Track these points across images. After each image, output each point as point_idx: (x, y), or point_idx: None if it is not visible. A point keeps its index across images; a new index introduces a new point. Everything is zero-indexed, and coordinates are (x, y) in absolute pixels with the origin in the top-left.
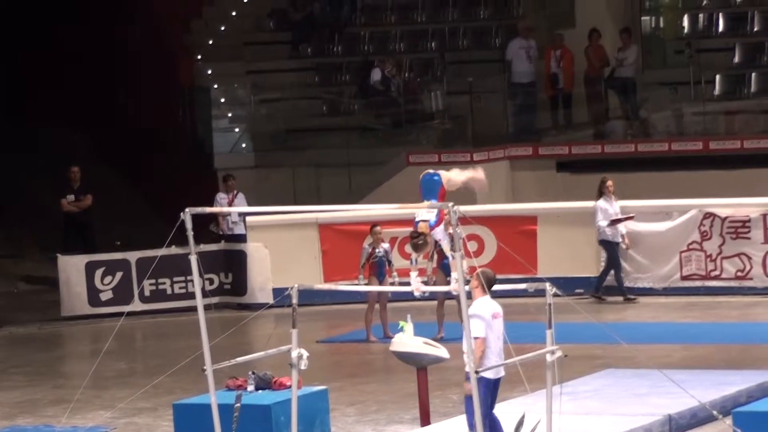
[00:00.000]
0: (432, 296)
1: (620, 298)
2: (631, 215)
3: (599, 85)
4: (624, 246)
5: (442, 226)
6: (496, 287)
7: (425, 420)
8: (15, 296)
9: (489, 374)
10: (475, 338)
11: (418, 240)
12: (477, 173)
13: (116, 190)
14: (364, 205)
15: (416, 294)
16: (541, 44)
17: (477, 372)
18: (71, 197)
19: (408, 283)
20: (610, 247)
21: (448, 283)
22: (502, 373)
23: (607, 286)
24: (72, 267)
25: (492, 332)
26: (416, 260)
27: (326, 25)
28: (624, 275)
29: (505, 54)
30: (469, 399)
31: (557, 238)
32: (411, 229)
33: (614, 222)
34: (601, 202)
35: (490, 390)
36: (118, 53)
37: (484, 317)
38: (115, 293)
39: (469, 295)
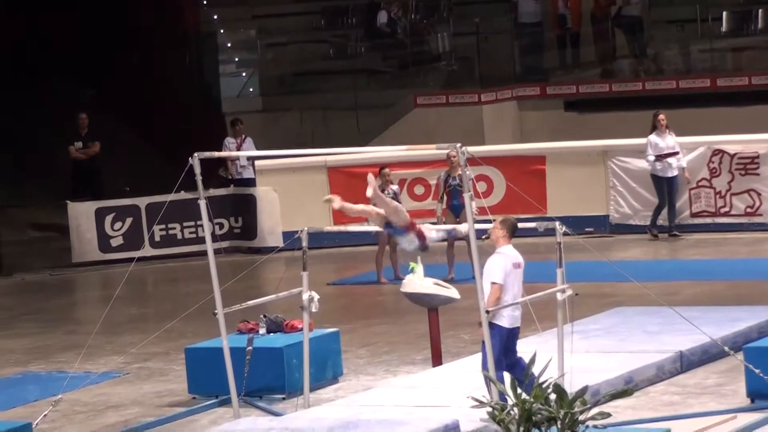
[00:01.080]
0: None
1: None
2: (676, 151)
3: (606, 24)
4: (686, 180)
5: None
6: None
7: (437, 360)
8: (25, 243)
9: (504, 322)
10: (493, 283)
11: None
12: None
13: (124, 137)
14: (372, 147)
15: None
16: None
17: (488, 312)
18: (79, 144)
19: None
20: (658, 181)
21: (458, 223)
22: (518, 323)
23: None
24: (82, 213)
25: (510, 280)
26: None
27: None
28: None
29: None
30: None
31: (566, 178)
32: (420, 170)
33: (659, 157)
34: (653, 137)
35: (504, 339)
36: (123, 1)
37: (506, 265)
38: (126, 239)
39: (479, 236)
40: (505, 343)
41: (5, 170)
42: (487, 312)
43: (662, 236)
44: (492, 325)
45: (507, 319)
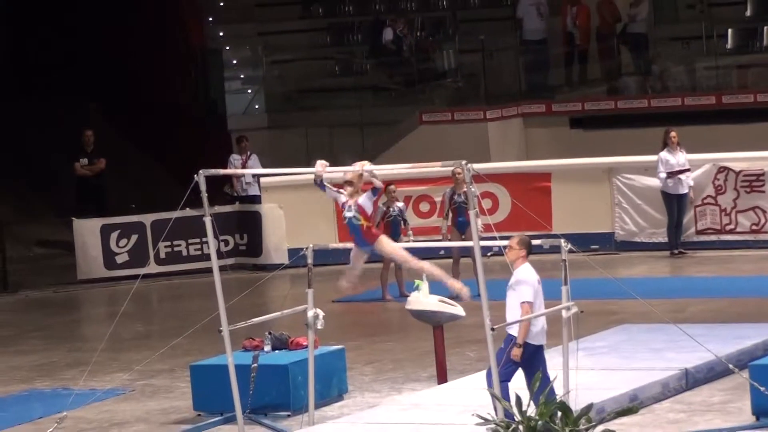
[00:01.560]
0: (447, 254)
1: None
2: (687, 168)
3: (611, 41)
4: (690, 199)
5: (366, 197)
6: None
7: (442, 378)
8: (31, 260)
9: (531, 340)
10: (523, 303)
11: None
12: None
13: (130, 154)
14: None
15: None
16: (553, 0)
17: (493, 329)
18: (84, 161)
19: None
20: (668, 198)
21: (463, 240)
22: (544, 340)
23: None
24: (87, 230)
25: (537, 299)
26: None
27: None
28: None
29: (515, 11)
30: (499, 355)
31: (571, 195)
32: (426, 187)
33: (670, 174)
34: (664, 153)
35: (529, 355)
36: (129, 18)
37: (533, 283)
38: (131, 256)
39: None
40: (530, 360)
41: (11, 186)
42: (493, 330)
43: (666, 254)
44: (520, 345)
45: (532, 335)
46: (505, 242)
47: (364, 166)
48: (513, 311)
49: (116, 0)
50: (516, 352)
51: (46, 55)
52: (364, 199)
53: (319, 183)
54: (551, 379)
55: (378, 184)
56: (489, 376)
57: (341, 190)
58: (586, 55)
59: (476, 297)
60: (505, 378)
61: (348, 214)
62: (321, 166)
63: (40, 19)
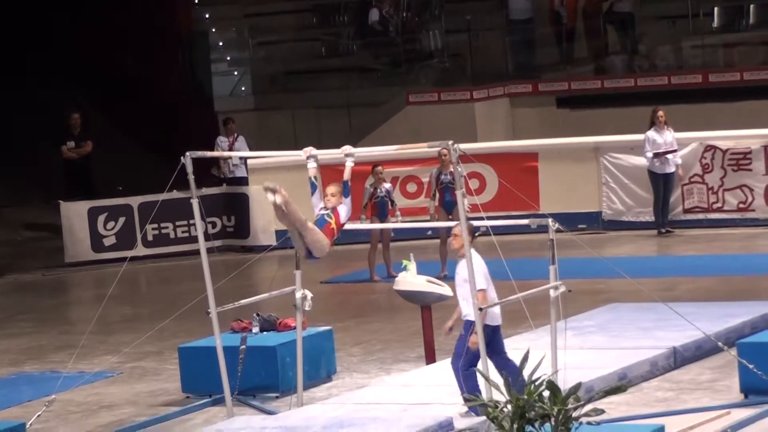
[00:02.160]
0: (435, 234)
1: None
2: (674, 149)
3: (598, 20)
4: (679, 177)
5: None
6: (499, 223)
7: (430, 358)
8: (18, 243)
9: (489, 321)
10: (479, 291)
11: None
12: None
13: (116, 136)
14: (364, 149)
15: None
16: None
17: (481, 309)
18: (71, 144)
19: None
20: (655, 178)
21: (450, 220)
22: (500, 320)
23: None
24: (75, 213)
25: (490, 284)
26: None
27: None
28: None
29: None
30: (460, 343)
31: (558, 174)
32: (412, 168)
33: (657, 155)
34: (651, 133)
35: (488, 337)
36: (115, 1)
37: (482, 269)
38: (118, 238)
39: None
40: (490, 342)
41: None
42: (481, 309)
43: (653, 232)
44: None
45: (491, 318)
46: (492, 222)
47: (345, 151)
48: (468, 300)
49: None
50: (474, 340)
51: (31, 40)
52: (343, 208)
53: (312, 181)
54: (512, 360)
55: (347, 175)
56: (454, 363)
57: (324, 203)
58: (572, 35)
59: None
60: (472, 363)
61: (322, 212)
62: (305, 152)
63: (26, 11)
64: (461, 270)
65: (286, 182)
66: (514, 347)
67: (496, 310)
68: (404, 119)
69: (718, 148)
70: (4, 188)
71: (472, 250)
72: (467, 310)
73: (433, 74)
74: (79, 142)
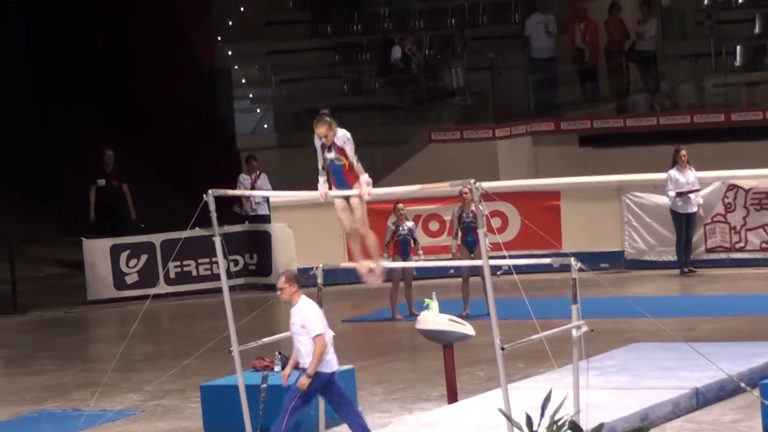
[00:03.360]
0: (457, 273)
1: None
2: (697, 188)
3: (620, 59)
4: (700, 216)
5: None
6: (521, 262)
7: (452, 397)
8: (40, 280)
9: (325, 368)
10: (317, 336)
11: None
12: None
13: (138, 173)
14: (385, 189)
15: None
16: (561, 18)
17: (503, 348)
18: (102, 181)
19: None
20: (677, 217)
21: (472, 259)
22: (336, 365)
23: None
24: (97, 250)
25: (325, 325)
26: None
27: (346, 4)
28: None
29: (524, 29)
30: (288, 398)
31: (581, 213)
32: (434, 206)
33: (680, 194)
34: (673, 172)
35: (323, 385)
36: (137, 37)
37: (317, 314)
38: (141, 276)
39: (493, 272)
40: (328, 387)
41: (21, 206)
42: (503, 349)
43: (675, 272)
44: (315, 375)
45: (327, 364)
46: (514, 261)
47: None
48: (308, 348)
49: (126, 20)
50: (304, 381)
51: (56, 77)
52: (341, 139)
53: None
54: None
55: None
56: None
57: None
58: (594, 73)
59: (486, 316)
60: (298, 416)
61: (329, 156)
62: (322, 196)
63: (51, 43)
64: (296, 318)
65: (308, 221)
66: (536, 387)
67: (331, 356)
68: (426, 157)
69: (741, 188)
70: (27, 224)
71: (303, 297)
72: (306, 358)
73: (455, 112)
74: (110, 180)
